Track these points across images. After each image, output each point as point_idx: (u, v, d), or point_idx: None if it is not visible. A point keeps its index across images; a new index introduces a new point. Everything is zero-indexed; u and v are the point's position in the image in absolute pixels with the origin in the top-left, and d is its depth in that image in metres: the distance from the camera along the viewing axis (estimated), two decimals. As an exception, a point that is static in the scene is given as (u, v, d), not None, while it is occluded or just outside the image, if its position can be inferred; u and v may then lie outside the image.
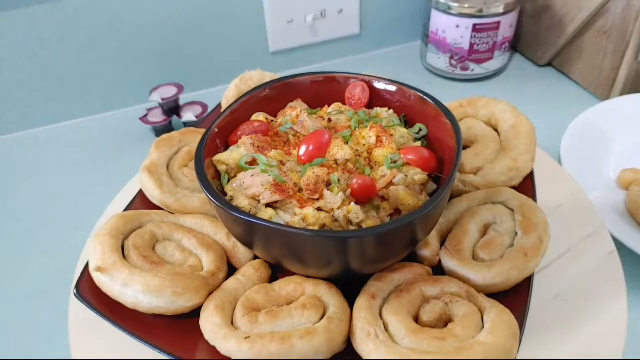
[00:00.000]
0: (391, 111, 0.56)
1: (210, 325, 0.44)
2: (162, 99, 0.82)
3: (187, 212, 0.55)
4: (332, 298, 0.45)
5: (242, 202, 0.47)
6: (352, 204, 0.45)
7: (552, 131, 0.79)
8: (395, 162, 0.49)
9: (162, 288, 0.45)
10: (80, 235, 0.67)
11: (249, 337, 0.42)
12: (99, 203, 0.68)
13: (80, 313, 0.50)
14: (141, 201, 0.58)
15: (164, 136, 0.61)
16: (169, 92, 0.84)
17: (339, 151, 0.50)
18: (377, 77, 0.58)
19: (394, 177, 0.48)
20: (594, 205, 0.58)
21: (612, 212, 0.62)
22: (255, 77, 0.67)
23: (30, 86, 0.84)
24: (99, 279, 0.47)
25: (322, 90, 0.59)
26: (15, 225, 0.70)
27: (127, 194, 0.63)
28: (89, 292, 0.48)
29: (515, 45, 1.00)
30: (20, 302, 0.60)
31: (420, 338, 0.40)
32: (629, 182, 0.65)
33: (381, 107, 0.57)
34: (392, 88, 0.57)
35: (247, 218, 0.42)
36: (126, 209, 0.57)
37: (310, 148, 0.49)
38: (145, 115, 0.85)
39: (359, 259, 0.44)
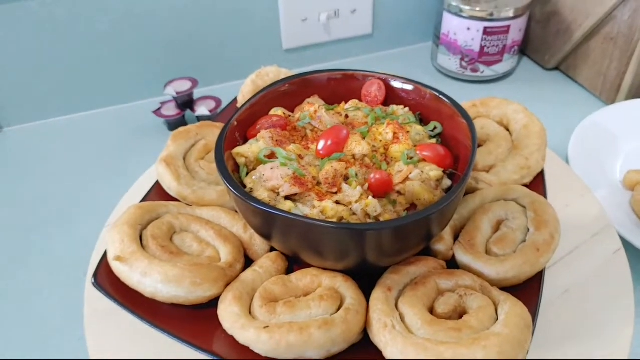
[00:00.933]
0: (407, 109, 0.58)
1: (229, 314, 0.45)
2: (177, 93, 0.84)
3: (203, 204, 0.56)
4: (348, 290, 0.46)
5: (262, 194, 0.48)
6: (370, 197, 0.47)
7: (558, 133, 0.81)
8: (411, 158, 0.50)
9: (181, 278, 0.46)
10: (94, 227, 0.67)
11: (267, 326, 0.43)
12: (112, 195, 0.69)
13: (95, 303, 0.50)
14: (157, 193, 0.59)
15: (181, 129, 0.62)
16: (184, 86, 0.85)
17: (357, 146, 0.51)
18: (394, 76, 0.59)
19: (410, 173, 0.49)
20: (601, 204, 0.59)
21: (618, 211, 0.64)
22: (272, 72, 0.69)
23: (45, 77, 0.85)
24: (118, 268, 0.48)
25: (339, 87, 0.61)
26: (30, 215, 0.71)
27: (140, 186, 0.64)
28: (107, 281, 0.49)
29: (524, 49, 1.02)
30: (34, 292, 0.61)
31: (435, 329, 0.42)
32: (635, 183, 0.67)
33: (397, 105, 0.59)
34: (408, 87, 0.58)
35: (267, 209, 0.43)
36: (142, 200, 0.58)
37: (329, 143, 0.51)
38: (159, 109, 0.86)
39: (376, 251, 0.45)
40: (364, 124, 0.55)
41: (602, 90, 0.88)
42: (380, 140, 0.53)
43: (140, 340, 0.48)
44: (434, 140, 0.55)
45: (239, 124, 0.55)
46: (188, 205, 0.56)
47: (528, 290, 0.47)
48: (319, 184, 0.49)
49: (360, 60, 1.03)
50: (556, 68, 0.98)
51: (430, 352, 0.39)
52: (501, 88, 0.94)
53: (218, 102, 0.86)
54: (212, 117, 0.84)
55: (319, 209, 0.47)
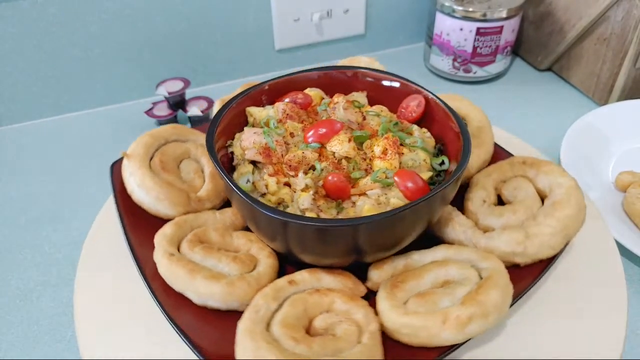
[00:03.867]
0: (428, 134, 0.54)
1: (161, 236, 0.50)
2: (169, 93, 0.83)
3: None
4: (264, 264, 0.49)
5: (236, 151, 0.53)
6: (311, 192, 0.48)
7: (551, 134, 0.81)
8: (385, 177, 0.48)
9: (150, 189, 0.53)
10: (83, 226, 0.67)
11: (172, 255, 0.48)
12: (102, 195, 0.68)
13: (86, 302, 0.51)
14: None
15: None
16: (175, 86, 0.85)
17: (338, 145, 0.50)
18: (439, 98, 0.55)
19: (369, 189, 0.48)
20: (595, 206, 0.59)
21: (610, 213, 0.64)
22: (364, 62, 0.71)
23: (36, 77, 0.85)
24: (123, 164, 0.56)
25: (382, 91, 0.59)
26: (19, 215, 0.71)
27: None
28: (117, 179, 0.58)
29: (517, 49, 1.02)
30: (23, 292, 0.60)
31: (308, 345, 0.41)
32: (627, 184, 0.67)
33: (428, 127, 0.56)
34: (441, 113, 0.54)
35: (230, 184, 0.45)
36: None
37: (318, 132, 0.51)
38: (151, 109, 0.85)
39: (296, 245, 0.47)
40: (375, 130, 0.54)
41: (594, 91, 0.88)
42: (372, 151, 0.52)
43: (133, 340, 0.48)
44: (430, 173, 0.51)
45: (270, 88, 0.58)
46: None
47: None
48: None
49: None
50: (549, 69, 0.98)
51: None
52: (494, 89, 0.94)
53: (210, 102, 0.86)
54: (204, 117, 0.84)
55: (264, 182, 0.50)
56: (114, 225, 0.57)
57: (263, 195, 0.50)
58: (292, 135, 0.53)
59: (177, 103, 0.85)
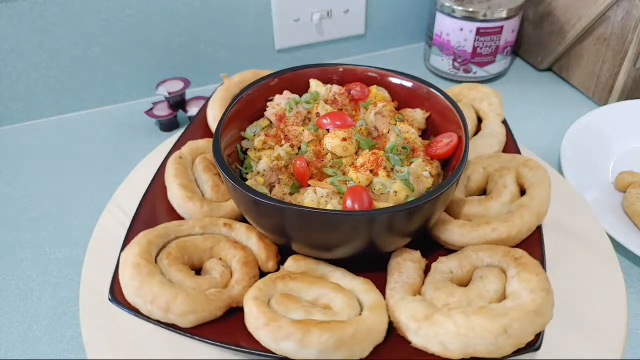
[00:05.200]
0: (427, 173, 0.51)
1: (136, 242, 0.47)
2: (169, 93, 0.83)
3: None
4: (237, 268, 0.49)
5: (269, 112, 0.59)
6: (266, 157, 0.52)
7: (551, 134, 0.81)
8: (341, 184, 0.49)
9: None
10: (83, 226, 0.67)
11: (138, 264, 0.45)
12: (103, 195, 0.68)
13: (91, 303, 0.50)
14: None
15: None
16: (175, 86, 0.85)
17: (331, 138, 0.52)
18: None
19: (320, 187, 0.49)
20: (591, 208, 0.59)
21: (609, 213, 0.64)
22: (485, 92, 0.69)
23: (36, 77, 0.85)
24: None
25: (409, 94, 0.60)
26: (20, 215, 0.71)
27: (129, 185, 0.65)
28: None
29: (517, 49, 1.02)
30: (24, 291, 0.60)
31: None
32: (626, 184, 0.67)
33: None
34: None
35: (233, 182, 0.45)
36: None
37: (330, 120, 0.55)
38: (151, 109, 0.85)
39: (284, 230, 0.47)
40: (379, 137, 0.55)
41: (594, 91, 0.88)
42: (356, 159, 0.52)
43: (138, 340, 0.47)
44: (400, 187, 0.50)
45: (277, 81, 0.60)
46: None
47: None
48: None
49: (353, 61, 1.03)
50: (549, 69, 0.98)
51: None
52: (494, 89, 0.94)
53: (210, 102, 0.86)
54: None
55: (259, 137, 0.56)
56: (118, 222, 0.58)
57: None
58: (317, 114, 0.56)
59: (177, 103, 0.85)
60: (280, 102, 0.58)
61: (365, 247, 0.46)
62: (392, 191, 0.48)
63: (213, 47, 0.93)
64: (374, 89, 0.60)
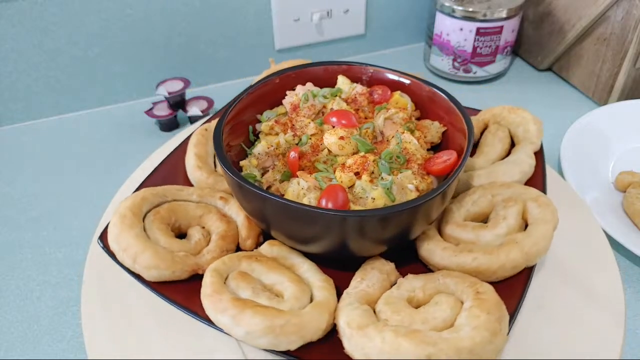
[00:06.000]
0: (412, 185, 0.50)
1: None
2: (169, 93, 0.83)
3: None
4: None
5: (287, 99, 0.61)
6: (266, 143, 0.55)
7: (551, 133, 0.81)
8: (324, 181, 0.50)
9: None
10: (85, 227, 0.67)
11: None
12: (103, 195, 0.68)
13: (92, 302, 0.51)
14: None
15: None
16: (175, 86, 0.85)
17: (329, 135, 0.52)
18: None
19: (304, 180, 0.50)
20: (589, 209, 0.59)
21: (609, 213, 0.64)
22: (526, 118, 0.67)
23: (36, 77, 0.85)
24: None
25: (431, 105, 0.60)
26: (20, 215, 0.71)
27: (131, 185, 0.65)
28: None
29: (517, 49, 1.02)
30: (24, 291, 0.60)
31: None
32: (626, 184, 0.67)
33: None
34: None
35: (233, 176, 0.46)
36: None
37: (333, 118, 0.55)
38: (151, 109, 0.85)
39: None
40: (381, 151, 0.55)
41: (594, 91, 0.88)
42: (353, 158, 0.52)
43: (138, 339, 0.48)
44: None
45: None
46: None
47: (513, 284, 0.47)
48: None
49: (353, 61, 1.03)
50: (549, 69, 0.98)
51: None
52: (494, 89, 0.94)
53: (210, 102, 0.86)
54: (204, 117, 0.84)
55: (268, 122, 0.58)
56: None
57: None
58: (331, 110, 0.57)
59: (177, 103, 0.85)
60: (300, 92, 0.59)
61: (336, 248, 0.46)
62: (370, 197, 0.47)
63: (213, 47, 0.93)
64: (397, 94, 0.59)
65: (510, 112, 0.65)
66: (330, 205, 0.46)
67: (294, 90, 0.61)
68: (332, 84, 0.62)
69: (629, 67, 0.81)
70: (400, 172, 0.50)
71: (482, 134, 0.67)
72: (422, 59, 1.03)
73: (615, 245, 0.61)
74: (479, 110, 0.70)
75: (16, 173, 0.78)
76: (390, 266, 0.49)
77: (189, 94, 0.90)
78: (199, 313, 0.45)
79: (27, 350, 0.54)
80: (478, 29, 0.87)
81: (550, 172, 0.66)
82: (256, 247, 0.52)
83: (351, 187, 0.49)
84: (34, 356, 0.53)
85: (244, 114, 0.57)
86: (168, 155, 0.64)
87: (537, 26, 0.95)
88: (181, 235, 0.54)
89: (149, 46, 0.88)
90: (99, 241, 0.52)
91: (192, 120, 0.85)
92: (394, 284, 0.48)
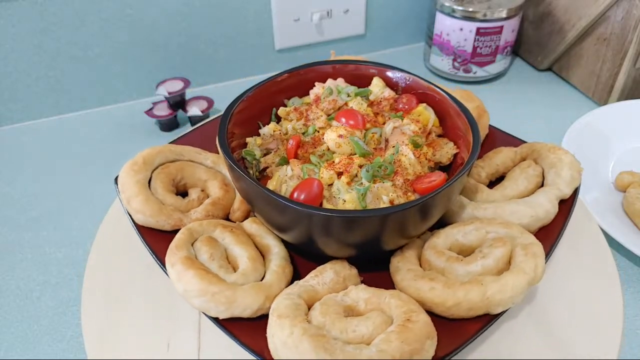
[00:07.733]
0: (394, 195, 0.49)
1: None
2: (169, 93, 0.83)
3: None
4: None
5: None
6: (276, 129, 0.56)
7: (550, 133, 0.81)
8: (308, 173, 0.51)
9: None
10: (83, 226, 0.68)
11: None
12: (103, 195, 0.68)
13: (91, 303, 0.51)
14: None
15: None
16: (175, 86, 0.85)
17: (330, 132, 0.52)
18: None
19: (290, 170, 0.51)
20: (585, 206, 0.59)
21: (609, 213, 0.64)
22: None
23: (36, 77, 0.85)
24: None
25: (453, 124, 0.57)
26: (20, 215, 0.71)
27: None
28: None
29: (517, 49, 1.02)
30: (24, 291, 0.60)
31: None
32: (626, 184, 0.67)
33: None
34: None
35: (240, 172, 0.46)
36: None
37: (342, 118, 0.54)
38: (151, 109, 0.85)
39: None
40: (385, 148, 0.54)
41: (594, 91, 0.88)
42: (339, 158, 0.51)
43: (138, 340, 0.48)
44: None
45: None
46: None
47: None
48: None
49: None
50: (549, 69, 0.98)
51: None
52: (494, 89, 0.94)
53: (210, 102, 0.86)
54: (204, 117, 0.84)
55: (287, 108, 0.60)
56: (122, 224, 0.58)
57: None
58: (346, 105, 0.58)
59: (177, 103, 0.85)
60: (326, 85, 0.60)
61: (303, 240, 0.47)
62: (342, 199, 0.47)
63: (213, 47, 0.93)
64: (422, 106, 0.57)
65: (549, 151, 0.58)
66: (302, 198, 0.46)
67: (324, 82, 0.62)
68: (366, 84, 0.61)
69: (629, 67, 0.81)
70: (382, 182, 0.48)
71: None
72: (422, 59, 1.03)
73: (615, 245, 0.61)
74: (523, 142, 0.64)
75: (16, 173, 0.78)
76: (350, 271, 0.48)
77: (189, 94, 0.90)
78: (160, 258, 0.49)
79: (27, 350, 0.54)
80: (478, 29, 0.87)
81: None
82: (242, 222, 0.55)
83: (330, 185, 0.49)
84: (34, 356, 0.53)
85: (272, 97, 0.59)
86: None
87: (537, 26, 0.95)
88: (185, 195, 0.57)
89: (149, 46, 0.88)
90: (115, 181, 0.56)
91: (192, 120, 0.85)
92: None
